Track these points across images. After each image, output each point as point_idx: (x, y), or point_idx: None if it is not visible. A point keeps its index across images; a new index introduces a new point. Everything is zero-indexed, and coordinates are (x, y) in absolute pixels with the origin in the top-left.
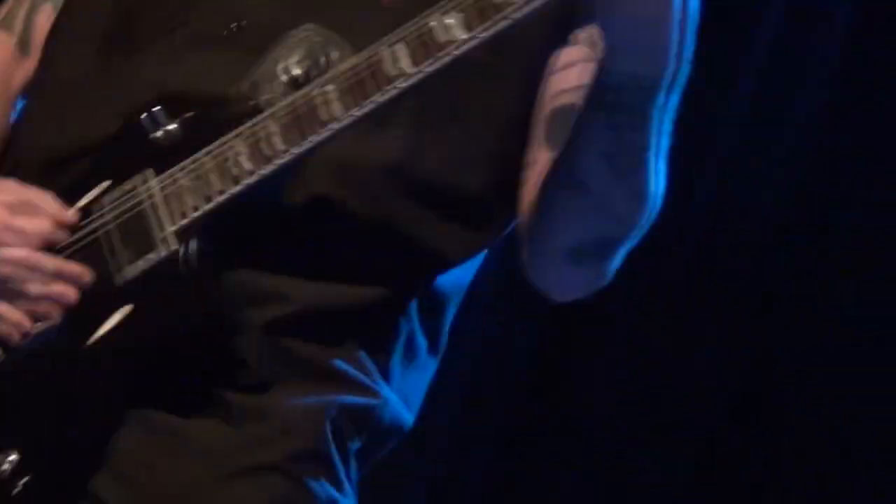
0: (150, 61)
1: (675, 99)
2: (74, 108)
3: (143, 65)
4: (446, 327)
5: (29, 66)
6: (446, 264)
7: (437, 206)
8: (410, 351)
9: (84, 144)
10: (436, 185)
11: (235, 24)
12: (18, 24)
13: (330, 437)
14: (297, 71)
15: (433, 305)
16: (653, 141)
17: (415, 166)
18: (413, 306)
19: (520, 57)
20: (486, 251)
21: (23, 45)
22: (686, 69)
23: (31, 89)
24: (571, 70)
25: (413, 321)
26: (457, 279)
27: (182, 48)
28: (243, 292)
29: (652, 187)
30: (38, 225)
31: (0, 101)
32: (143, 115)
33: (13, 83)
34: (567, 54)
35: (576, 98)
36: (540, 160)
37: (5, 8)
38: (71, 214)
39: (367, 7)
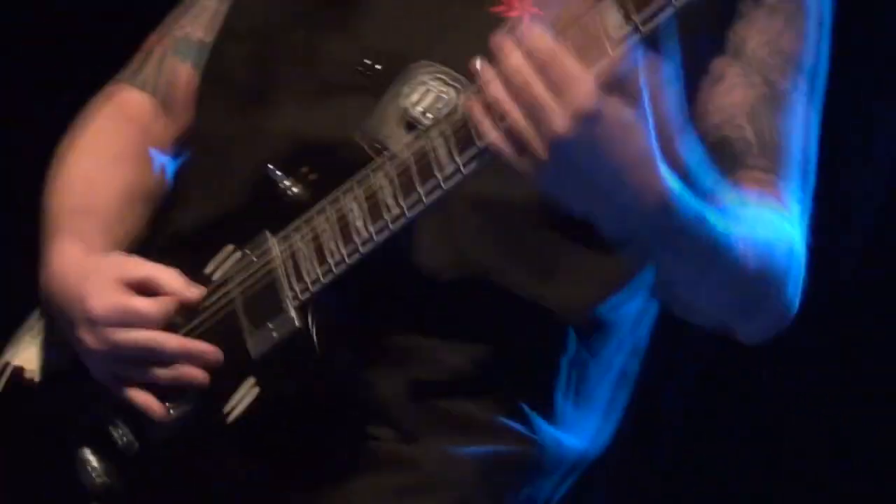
0: (281, 113)
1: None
2: (222, 174)
3: (274, 117)
4: (618, 332)
5: (175, 122)
6: (587, 308)
7: (581, 238)
8: (576, 379)
9: (229, 206)
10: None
11: (362, 66)
12: (158, 81)
13: (484, 487)
14: (416, 112)
15: (591, 329)
16: (707, 242)
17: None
18: (568, 341)
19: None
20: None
21: (165, 104)
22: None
23: (190, 152)
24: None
25: (570, 352)
26: None
27: (312, 96)
28: (382, 353)
29: (743, 269)
30: (161, 305)
31: (144, 161)
32: (263, 175)
33: (157, 140)
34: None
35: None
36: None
37: (140, 66)
38: (194, 291)
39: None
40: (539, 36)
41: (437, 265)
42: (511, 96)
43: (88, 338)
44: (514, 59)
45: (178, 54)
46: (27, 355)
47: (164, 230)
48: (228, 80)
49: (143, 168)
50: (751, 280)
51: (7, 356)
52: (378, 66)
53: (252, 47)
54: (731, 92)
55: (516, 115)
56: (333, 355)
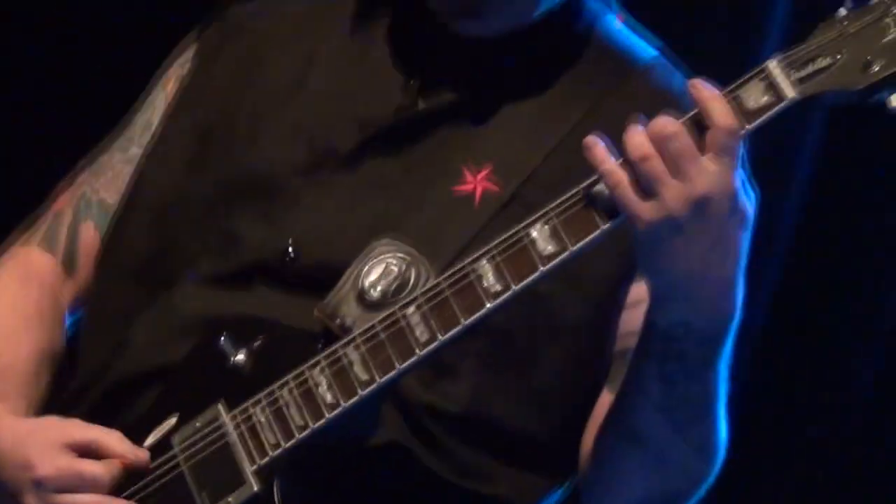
0: (200, 293)
1: (730, 344)
2: (134, 335)
3: (191, 296)
4: None
5: (76, 283)
6: None
7: (505, 453)
8: None
9: (147, 370)
10: (503, 431)
11: (290, 254)
12: (61, 242)
13: None
14: (374, 294)
15: None
16: (713, 390)
17: (482, 414)
18: None
19: (589, 288)
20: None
21: (68, 264)
22: (739, 314)
23: (86, 314)
24: (638, 309)
25: None
26: None
27: (229, 279)
28: None
29: (716, 438)
30: (108, 468)
31: (52, 322)
32: (210, 345)
33: (62, 302)
34: (636, 290)
35: (634, 342)
36: (601, 402)
37: (43, 226)
38: (140, 455)
39: (447, 214)
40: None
41: (370, 446)
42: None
43: (33, 502)
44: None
45: (81, 215)
46: None
47: (79, 391)
48: (129, 250)
49: (52, 329)
50: (703, 465)
51: None
52: (300, 254)
53: (156, 221)
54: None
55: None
56: None
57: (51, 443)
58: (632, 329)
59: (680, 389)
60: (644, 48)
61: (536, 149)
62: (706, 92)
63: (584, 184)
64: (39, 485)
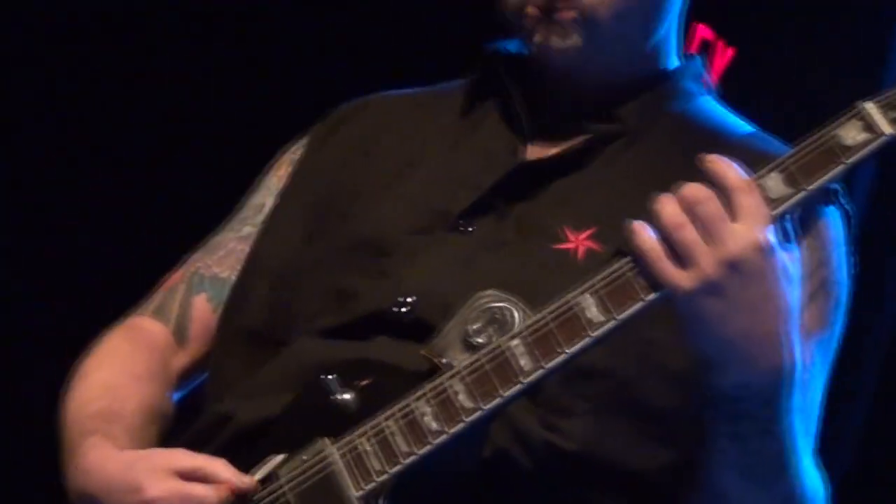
0: (313, 345)
1: (796, 396)
2: (252, 388)
3: (305, 349)
4: None
5: (186, 354)
6: None
7: (614, 492)
8: None
9: (263, 419)
10: (618, 471)
11: (404, 303)
12: (173, 313)
13: None
14: (478, 339)
15: None
16: (789, 442)
17: (595, 455)
18: None
19: None
20: None
21: (179, 334)
22: (799, 365)
23: (209, 374)
24: None
25: None
26: None
27: (341, 331)
28: None
29: (801, 489)
30: (216, 491)
31: (161, 384)
32: (317, 386)
33: (171, 369)
34: None
35: None
36: None
37: (156, 299)
38: (246, 481)
39: (550, 268)
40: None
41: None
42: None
43: None
44: (697, 191)
45: (194, 288)
46: None
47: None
48: (248, 314)
49: (161, 390)
50: None
51: None
52: (415, 306)
53: (272, 287)
54: None
55: (690, 228)
56: None
57: (158, 467)
58: None
59: (754, 446)
60: (741, 125)
61: (637, 213)
62: (717, 162)
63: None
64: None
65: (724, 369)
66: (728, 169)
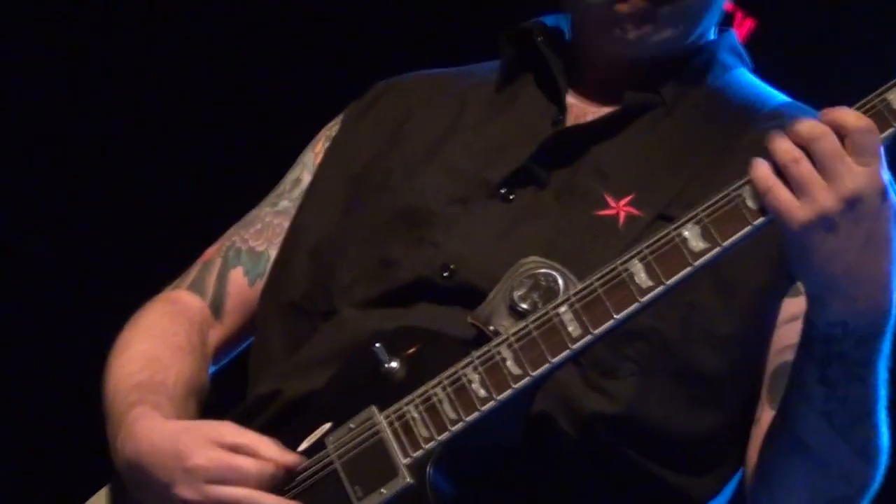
0: (357, 315)
1: (888, 344)
2: (298, 362)
3: (349, 319)
4: None
5: (223, 328)
6: None
7: (663, 454)
8: None
9: (310, 392)
10: (662, 433)
11: (447, 270)
12: (210, 287)
13: None
14: (523, 305)
15: None
16: (874, 391)
17: (641, 418)
18: None
19: (743, 299)
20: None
21: (216, 308)
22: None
23: (253, 347)
24: (794, 324)
25: None
26: None
27: (385, 300)
28: None
29: (876, 440)
30: (259, 465)
31: (200, 357)
32: (364, 356)
33: (208, 343)
34: (791, 305)
35: (790, 357)
36: (763, 419)
37: (192, 273)
38: (292, 458)
39: (592, 235)
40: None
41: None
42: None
43: (186, 490)
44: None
45: (230, 262)
46: None
47: (246, 417)
48: (290, 288)
49: (200, 363)
50: (866, 471)
51: None
52: (457, 271)
53: (314, 260)
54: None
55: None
56: None
57: (205, 438)
58: (787, 344)
59: (841, 392)
60: (776, 95)
61: (676, 178)
62: (834, 110)
63: (733, 186)
64: (191, 473)
65: (826, 306)
66: (844, 111)
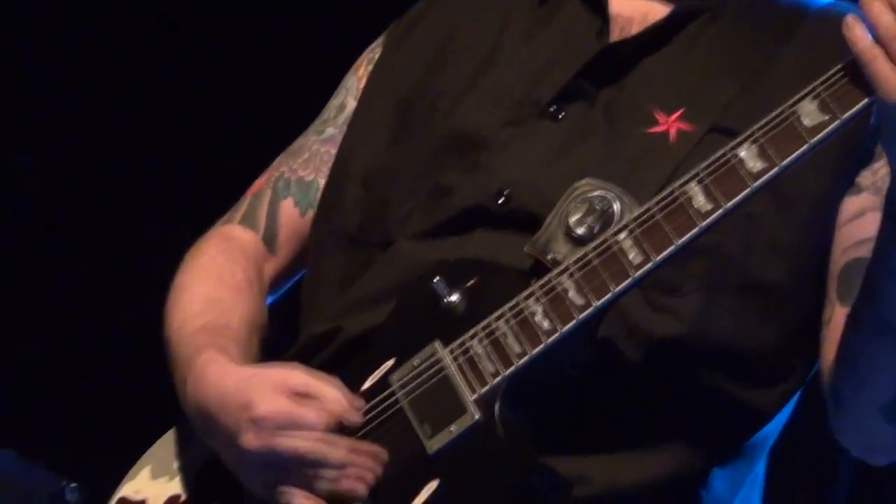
0: (414, 247)
1: None
2: (356, 296)
3: (407, 251)
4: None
5: (277, 260)
6: (739, 430)
7: (729, 370)
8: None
9: (371, 327)
10: (728, 349)
11: (502, 195)
12: (261, 220)
13: None
14: (580, 231)
15: (737, 465)
16: None
17: (707, 335)
18: (714, 472)
19: (802, 209)
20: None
21: (269, 241)
22: None
23: (306, 281)
24: (860, 221)
25: (713, 490)
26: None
27: (441, 229)
28: (561, 447)
29: None
30: (326, 411)
31: (258, 294)
32: (423, 289)
33: (265, 278)
34: (853, 203)
35: (868, 250)
36: (836, 318)
37: (243, 206)
38: (356, 403)
39: (644, 153)
40: None
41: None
42: None
43: (251, 439)
44: None
45: (280, 193)
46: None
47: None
48: (343, 218)
49: (259, 300)
50: None
51: (122, 492)
52: (512, 196)
53: (365, 188)
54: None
55: None
56: (517, 447)
57: (271, 385)
58: (856, 240)
59: None
60: None
61: (725, 89)
62: None
63: (787, 103)
64: (258, 423)
65: None
66: None
